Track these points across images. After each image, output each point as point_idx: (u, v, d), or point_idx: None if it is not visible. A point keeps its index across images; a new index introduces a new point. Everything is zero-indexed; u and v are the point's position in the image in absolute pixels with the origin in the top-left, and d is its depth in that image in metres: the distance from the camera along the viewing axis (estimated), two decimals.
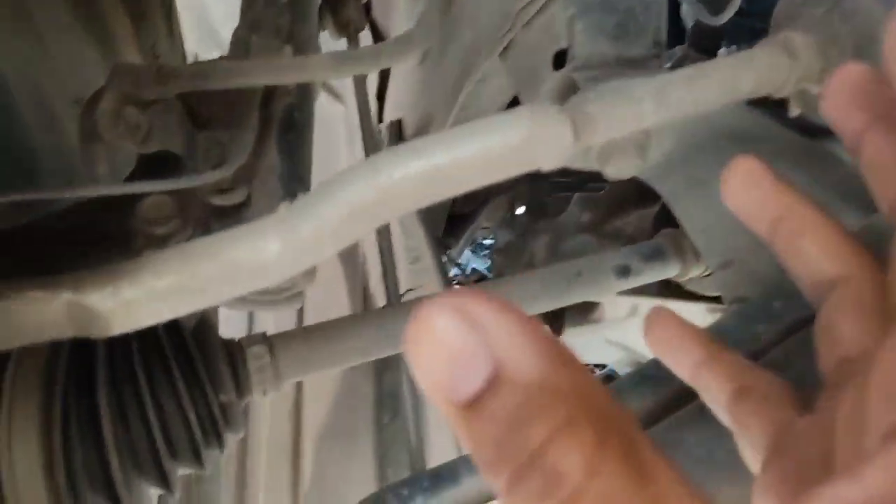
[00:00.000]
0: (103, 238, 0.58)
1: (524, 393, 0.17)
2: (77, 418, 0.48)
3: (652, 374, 0.46)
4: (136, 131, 0.55)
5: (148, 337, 0.53)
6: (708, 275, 0.80)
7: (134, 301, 0.34)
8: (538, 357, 0.17)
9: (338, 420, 1.46)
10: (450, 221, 1.41)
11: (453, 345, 0.17)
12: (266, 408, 1.47)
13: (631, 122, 0.39)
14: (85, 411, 0.48)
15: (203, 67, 0.56)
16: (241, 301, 0.72)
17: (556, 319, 1.07)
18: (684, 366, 0.36)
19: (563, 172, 1.35)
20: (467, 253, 2.79)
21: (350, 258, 1.52)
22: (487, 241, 2.82)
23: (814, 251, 0.31)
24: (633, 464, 0.16)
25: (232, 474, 1.29)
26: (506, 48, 0.76)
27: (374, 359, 0.64)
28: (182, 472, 0.55)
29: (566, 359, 0.18)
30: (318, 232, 0.35)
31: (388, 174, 0.34)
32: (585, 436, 0.16)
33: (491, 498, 0.49)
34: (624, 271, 0.72)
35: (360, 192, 0.35)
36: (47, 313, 0.33)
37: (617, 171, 0.54)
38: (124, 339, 0.52)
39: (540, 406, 0.17)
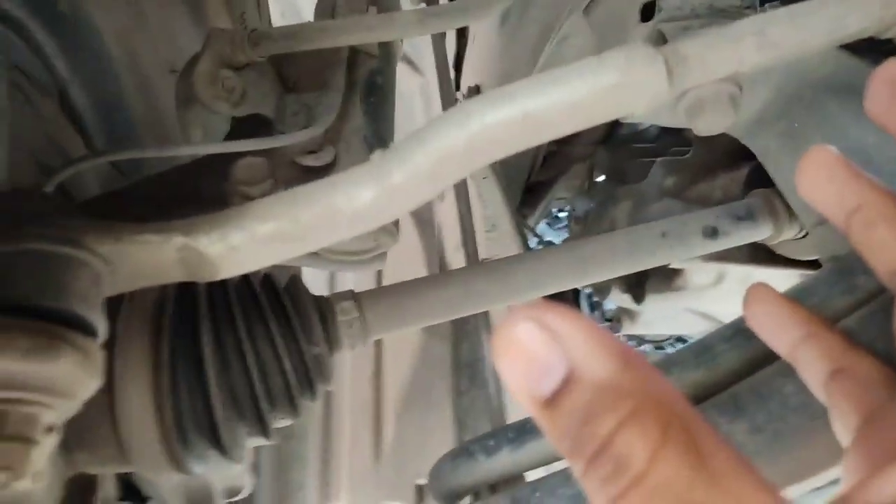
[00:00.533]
0: (199, 200, 0.61)
1: (594, 391, 0.19)
2: (183, 364, 0.51)
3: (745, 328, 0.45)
4: (231, 93, 0.57)
5: (246, 291, 0.56)
6: (802, 236, 0.77)
7: (240, 245, 0.36)
8: (607, 359, 0.20)
9: (417, 387, 1.49)
10: (526, 191, 1.40)
11: (534, 350, 0.20)
12: (347, 374, 1.52)
13: (729, 64, 0.38)
14: (190, 358, 0.51)
15: (293, 29, 0.57)
16: (327, 261, 0.74)
17: (638, 286, 1.05)
18: (783, 342, 0.36)
19: (645, 138, 1.32)
20: (542, 225, 2.77)
21: (426, 229, 1.54)
22: (562, 214, 2.79)
23: (889, 240, 0.32)
24: (693, 450, 0.18)
25: (317, 434, 1.35)
26: (590, 3, 0.74)
27: (458, 317, 0.65)
28: (279, 420, 0.57)
29: (632, 360, 0.20)
30: (410, 178, 0.35)
31: (480, 119, 0.34)
32: (649, 426, 0.18)
33: None
34: (712, 232, 0.70)
35: (451, 138, 0.35)
36: (161, 257, 0.36)
37: (707, 125, 0.53)
38: (224, 293, 0.55)
39: (608, 401, 0.19)
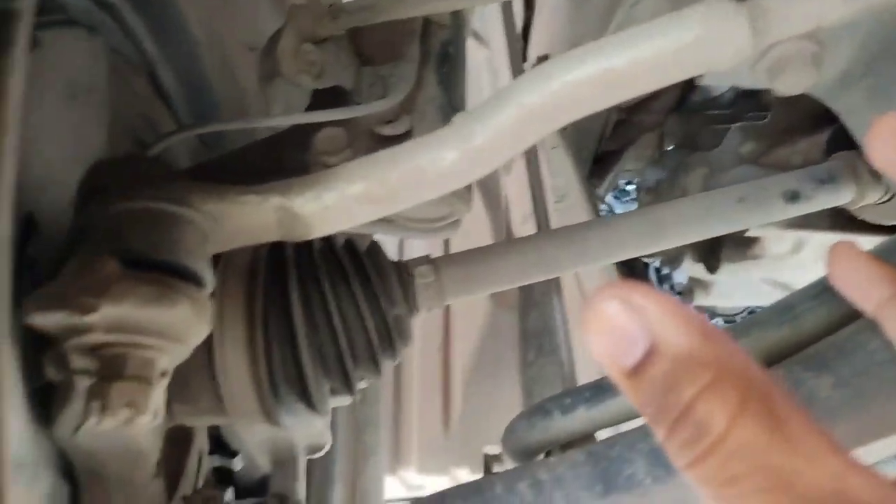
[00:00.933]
0: (282, 171, 0.64)
1: (675, 361, 0.21)
2: (274, 322, 0.54)
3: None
4: (312, 67, 0.60)
5: (330, 255, 0.58)
6: (886, 200, 0.74)
7: (331, 205, 0.38)
8: (687, 333, 0.21)
9: (484, 357, 1.51)
10: (594, 162, 1.39)
11: (619, 325, 0.22)
12: (416, 345, 1.56)
13: (813, 17, 0.37)
14: (280, 317, 0.54)
15: (369, 2, 0.59)
16: (403, 228, 0.76)
17: (713, 255, 1.03)
18: (868, 300, 0.36)
19: (719, 104, 1.28)
20: (610, 198, 2.73)
21: (493, 202, 1.55)
22: (630, 187, 2.74)
23: None
24: (769, 415, 0.19)
25: (388, 402, 1.39)
26: None
27: (530, 282, 0.66)
28: (362, 378, 0.60)
29: (711, 333, 0.21)
30: (492, 138, 0.37)
31: (561, 78, 0.35)
32: (728, 394, 0.20)
33: None
34: (793, 196, 0.68)
35: (533, 97, 0.36)
36: (260, 216, 0.38)
37: (789, 85, 0.51)
38: (310, 257, 0.57)
39: (688, 371, 0.20)
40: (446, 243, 1.40)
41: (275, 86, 0.65)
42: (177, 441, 0.63)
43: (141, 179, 0.36)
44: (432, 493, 0.50)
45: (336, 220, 0.39)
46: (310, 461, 1.02)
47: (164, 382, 0.37)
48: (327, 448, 0.89)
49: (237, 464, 0.80)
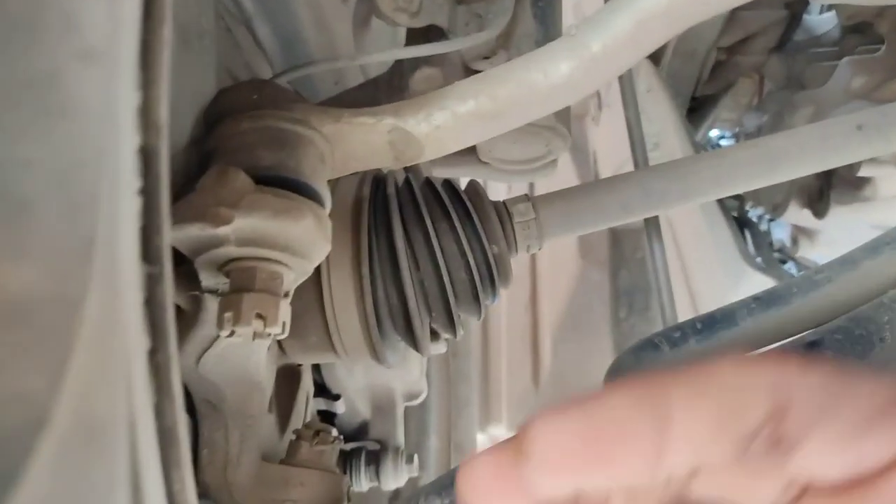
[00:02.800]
0: None
1: None
2: (379, 258, 0.55)
3: None
4: (409, 4, 0.59)
5: (431, 192, 0.58)
6: None
7: (443, 124, 0.38)
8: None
9: (574, 314, 1.49)
10: (689, 111, 1.33)
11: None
12: (503, 304, 1.56)
13: None
14: (385, 253, 0.55)
15: None
16: (499, 171, 0.75)
17: (821, 197, 0.98)
18: None
19: (825, 42, 1.20)
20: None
21: (580, 156, 1.52)
22: (724, 142, 2.63)
23: None
24: None
25: (477, 358, 1.40)
26: None
27: (635, 219, 0.64)
28: (464, 317, 0.61)
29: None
30: (609, 45, 0.35)
31: None
32: None
33: (772, 337, 0.48)
34: None
35: (650, 2, 0.34)
36: (373, 138, 0.38)
37: None
38: (411, 194, 0.58)
39: None
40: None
41: (369, 28, 0.65)
42: (286, 380, 0.65)
43: (265, 101, 0.37)
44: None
45: (448, 140, 0.38)
46: (406, 412, 1.04)
47: (288, 302, 0.38)
48: (424, 396, 0.91)
49: (340, 407, 0.83)
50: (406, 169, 0.61)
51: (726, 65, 1.17)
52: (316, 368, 0.82)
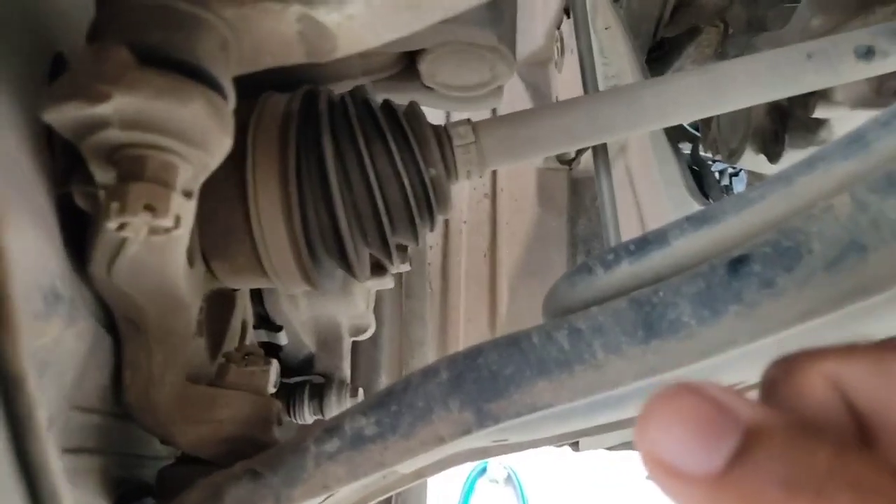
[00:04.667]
0: None
1: None
2: (308, 176, 0.52)
3: None
4: None
5: (365, 111, 0.56)
6: None
7: (357, 14, 0.35)
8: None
9: (531, 262, 1.49)
10: (649, 62, 1.31)
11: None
12: (463, 249, 1.54)
13: None
14: (314, 171, 0.53)
15: None
16: (443, 98, 0.73)
17: (776, 141, 0.97)
18: None
19: None
20: None
21: (544, 102, 1.49)
22: None
23: None
24: None
25: (436, 304, 1.39)
26: None
27: (581, 147, 0.63)
28: (400, 241, 0.59)
29: None
30: None
31: None
32: None
33: (704, 255, 0.47)
34: (866, 52, 0.62)
35: None
36: (281, 27, 0.36)
37: None
38: (344, 111, 0.55)
39: None
40: None
41: None
42: (220, 305, 0.63)
43: None
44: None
45: (364, 34, 0.36)
46: (355, 351, 1.03)
47: (192, 204, 0.36)
48: (371, 331, 0.89)
49: (282, 338, 0.82)
50: (351, 93, 0.59)
51: (689, 7, 1.15)
52: (260, 301, 0.80)
